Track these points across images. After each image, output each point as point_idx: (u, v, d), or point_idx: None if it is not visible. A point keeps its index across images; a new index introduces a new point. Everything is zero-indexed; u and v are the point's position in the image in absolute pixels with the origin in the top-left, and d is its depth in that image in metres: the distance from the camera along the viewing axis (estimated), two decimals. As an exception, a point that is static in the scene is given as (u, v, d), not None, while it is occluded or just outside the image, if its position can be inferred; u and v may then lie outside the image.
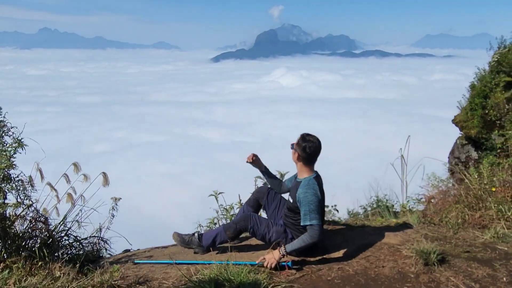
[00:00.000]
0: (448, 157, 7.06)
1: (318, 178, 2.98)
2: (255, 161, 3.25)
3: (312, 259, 2.94)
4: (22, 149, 2.90)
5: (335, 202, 4.44)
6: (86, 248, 3.40)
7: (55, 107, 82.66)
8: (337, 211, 4.53)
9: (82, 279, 2.54)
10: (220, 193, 4.15)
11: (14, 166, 2.89)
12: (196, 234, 3.17)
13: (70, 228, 3.31)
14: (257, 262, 2.79)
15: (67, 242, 3.35)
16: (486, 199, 3.64)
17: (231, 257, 2.77)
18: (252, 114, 77.02)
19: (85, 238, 3.41)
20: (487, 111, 5.81)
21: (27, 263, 2.73)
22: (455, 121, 6.64)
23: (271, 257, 2.77)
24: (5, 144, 2.93)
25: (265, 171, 3.32)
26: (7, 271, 2.57)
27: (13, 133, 2.90)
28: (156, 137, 55.68)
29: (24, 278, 2.48)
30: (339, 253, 3.01)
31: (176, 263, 2.88)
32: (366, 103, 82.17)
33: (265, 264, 2.76)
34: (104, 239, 3.45)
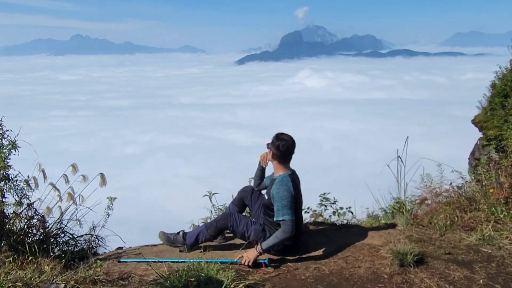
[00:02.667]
0: (469, 158, 6.88)
1: (293, 175, 3.04)
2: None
3: (291, 257, 2.99)
4: (16, 150, 3.07)
5: (359, 204, 4.40)
6: (82, 246, 3.57)
7: (86, 111, 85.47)
8: (352, 213, 4.52)
9: (67, 273, 2.69)
10: (214, 193, 4.25)
11: (9, 167, 3.08)
12: (180, 233, 3.27)
13: (65, 226, 3.48)
14: (235, 259, 2.87)
15: (63, 239, 3.53)
16: (479, 201, 3.57)
17: (211, 255, 2.87)
18: (277, 116, 76.95)
19: (80, 236, 3.58)
20: (507, 111, 5.61)
21: (20, 258, 2.92)
22: (475, 121, 6.43)
23: (248, 255, 2.84)
24: (1, 147, 3.13)
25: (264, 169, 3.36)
26: None
27: (8, 135, 3.08)
28: (182, 140, 56.62)
29: (13, 272, 2.66)
30: (319, 253, 3.04)
31: (158, 261, 2.98)
32: (394, 104, 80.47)
33: (242, 262, 2.84)
34: (98, 237, 3.61)
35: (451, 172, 4.53)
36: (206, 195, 4.23)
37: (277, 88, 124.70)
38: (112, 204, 3.78)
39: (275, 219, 2.90)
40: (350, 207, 4.52)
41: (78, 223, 3.64)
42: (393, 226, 3.55)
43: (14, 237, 3.13)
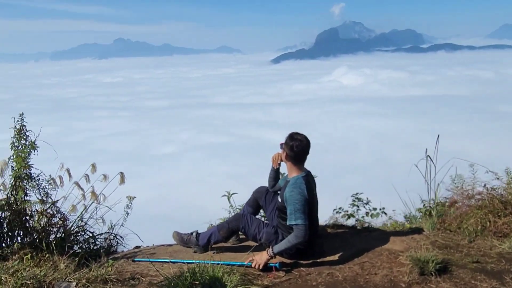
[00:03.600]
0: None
1: (307, 177, 2.92)
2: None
3: (304, 262, 2.87)
4: (35, 151, 3.16)
5: (392, 207, 4.22)
6: (101, 244, 3.63)
7: (127, 111, 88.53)
8: (385, 213, 4.34)
9: (78, 272, 2.72)
10: (233, 193, 4.20)
11: (29, 166, 3.17)
12: (194, 234, 3.24)
13: (85, 223, 3.55)
14: (246, 262, 2.79)
15: (83, 237, 3.61)
16: (515, 205, 3.28)
17: (223, 257, 2.82)
18: (312, 114, 76.09)
19: (100, 234, 3.64)
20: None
21: (38, 255, 3.00)
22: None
23: (259, 258, 2.76)
24: (26, 147, 3.22)
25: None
26: (17, 261, 2.84)
27: (28, 136, 3.17)
28: (219, 138, 57.31)
29: (28, 269, 2.72)
30: (334, 257, 2.90)
31: (170, 262, 2.96)
32: (435, 101, 77.21)
33: (252, 265, 2.76)
34: (117, 235, 3.66)
35: (485, 173, 4.21)
36: (225, 195, 4.19)
37: (313, 86, 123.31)
38: (131, 203, 3.81)
39: (287, 223, 2.80)
40: (383, 208, 4.33)
41: (101, 221, 3.72)
42: (418, 230, 3.34)
43: (35, 234, 3.23)
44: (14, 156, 3.16)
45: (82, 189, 3.57)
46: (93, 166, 3.61)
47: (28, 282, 2.53)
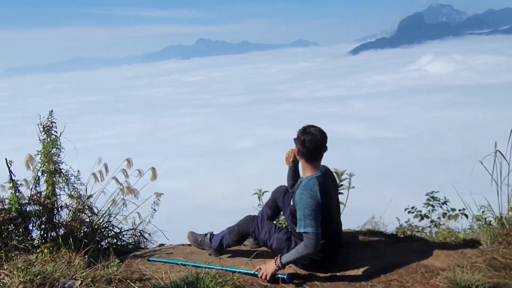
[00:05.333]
0: None
1: (323, 177, 2.52)
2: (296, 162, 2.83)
3: (321, 274, 2.48)
4: (58, 148, 3.19)
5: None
6: (127, 240, 3.61)
7: (208, 108, 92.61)
8: (466, 216, 3.78)
9: (87, 270, 2.67)
10: (264, 192, 3.91)
11: (56, 162, 3.21)
12: (208, 235, 3.02)
13: (114, 218, 3.54)
14: (253, 271, 2.51)
15: (112, 232, 3.61)
16: None
17: (235, 262, 2.59)
18: (394, 106, 72.04)
19: (127, 230, 3.61)
20: None
21: (59, 250, 3.03)
22: None
23: (266, 267, 2.45)
24: (52, 143, 3.28)
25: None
26: (35, 255, 2.89)
27: (55, 131, 3.20)
28: (295, 133, 56.94)
29: (42, 264, 2.74)
30: (358, 272, 2.47)
31: (182, 264, 2.80)
32: (540, 88, 67.96)
33: (259, 275, 2.46)
34: (142, 232, 3.60)
35: None
36: (256, 194, 3.92)
37: (395, 76, 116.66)
38: (159, 199, 3.68)
39: (297, 230, 2.45)
40: (464, 209, 3.73)
41: (136, 216, 3.71)
42: (473, 243, 2.73)
43: (62, 229, 3.29)
44: (43, 151, 3.22)
45: (121, 184, 3.55)
46: (128, 161, 3.56)
47: (35, 278, 2.53)
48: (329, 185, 2.55)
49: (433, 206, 3.65)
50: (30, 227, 3.20)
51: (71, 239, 3.07)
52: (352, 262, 2.58)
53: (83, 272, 2.63)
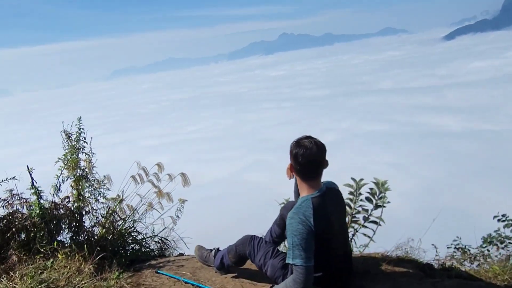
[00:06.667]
0: None
1: (321, 198, 2.15)
2: None
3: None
4: (84, 153, 3.16)
5: None
6: (150, 247, 3.47)
7: (290, 102, 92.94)
8: None
9: (90, 279, 2.63)
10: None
11: (92, 168, 3.16)
12: (213, 251, 2.84)
13: (136, 225, 3.42)
14: None
15: (136, 238, 3.45)
16: None
17: (236, 284, 2.54)
18: (494, 95, 64.92)
19: (150, 237, 3.49)
20: None
21: (77, 255, 2.88)
22: None
23: None
24: (87, 152, 3.18)
25: None
26: (50, 261, 2.84)
27: (83, 137, 3.16)
28: (380, 126, 54.83)
29: (49, 271, 2.72)
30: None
31: (184, 282, 2.69)
32: None
33: None
34: (164, 240, 3.52)
35: None
36: (283, 203, 3.45)
37: (497, 62, 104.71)
38: (182, 206, 3.48)
39: (286, 261, 2.13)
40: None
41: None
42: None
43: (83, 234, 3.19)
44: (68, 156, 3.15)
45: (157, 187, 3.41)
46: (159, 165, 3.41)
47: (38, 285, 2.52)
48: (329, 208, 2.17)
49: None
50: (54, 232, 3.13)
51: (85, 245, 2.97)
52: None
53: (85, 283, 2.60)
